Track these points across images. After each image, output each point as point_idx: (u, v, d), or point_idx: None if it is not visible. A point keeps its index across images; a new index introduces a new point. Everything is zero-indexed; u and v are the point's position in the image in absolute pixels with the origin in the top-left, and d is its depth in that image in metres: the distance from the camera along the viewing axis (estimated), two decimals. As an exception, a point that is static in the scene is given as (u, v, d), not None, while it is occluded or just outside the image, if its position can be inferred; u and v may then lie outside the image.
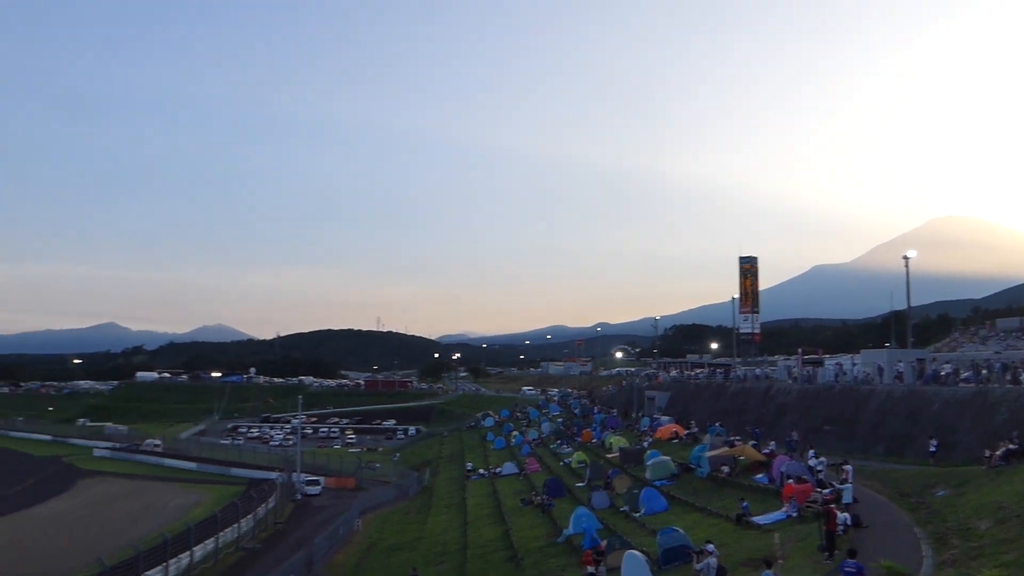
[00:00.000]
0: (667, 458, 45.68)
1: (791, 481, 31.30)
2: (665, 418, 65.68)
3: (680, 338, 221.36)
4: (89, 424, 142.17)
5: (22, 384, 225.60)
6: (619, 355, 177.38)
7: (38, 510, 67.22)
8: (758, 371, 70.70)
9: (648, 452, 49.94)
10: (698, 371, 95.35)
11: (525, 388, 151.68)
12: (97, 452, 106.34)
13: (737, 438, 47.44)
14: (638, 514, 36.58)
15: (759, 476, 37.34)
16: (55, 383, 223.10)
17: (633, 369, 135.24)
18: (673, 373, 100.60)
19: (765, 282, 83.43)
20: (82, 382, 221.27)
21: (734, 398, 63.33)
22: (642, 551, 27.13)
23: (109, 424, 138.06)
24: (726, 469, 39.82)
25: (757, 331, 79.97)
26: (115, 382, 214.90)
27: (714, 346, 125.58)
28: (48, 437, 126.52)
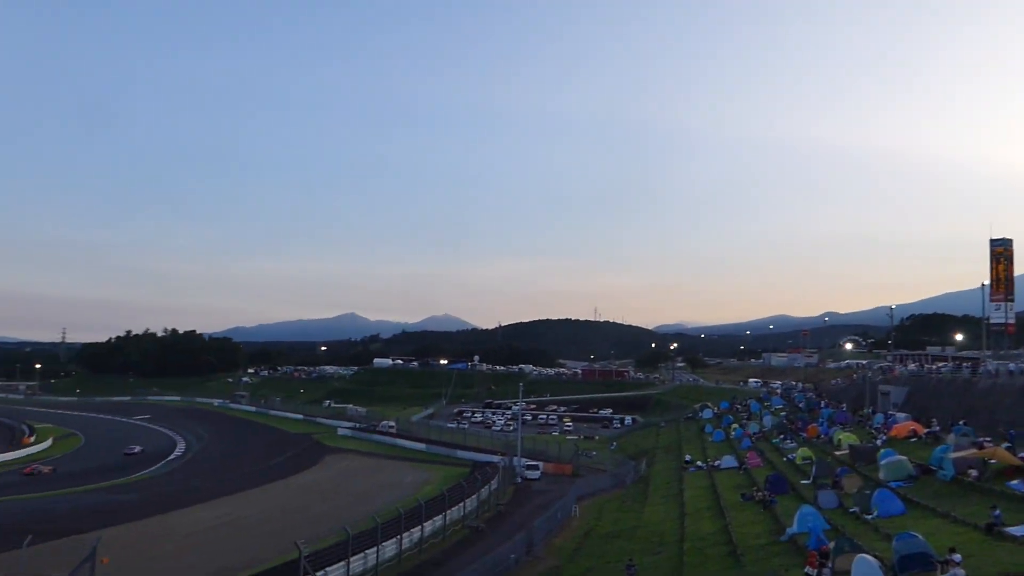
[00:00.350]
0: (903, 458, 42.22)
1: (1054, 489, 27.86)
2: (901, 415, 60.81)
3: (918, 329, 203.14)
4: (334, 405, 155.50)
5: (279, 368, 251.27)
6: (849, 346, 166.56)
7: (295, 479, 74.92)
8: (1012, 365, 63.46)
9: (882, 451, 46.45)
10: (940, 365, 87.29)
11: (751, 380, 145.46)
12: (340, 431, 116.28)
13: (987, 439, 42.88)
14: (870, 516, 34.16)
15: (1014, 482, 33.52)
16: (305, 367, 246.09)
17: (865, 362, 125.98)
18: (911, 366, 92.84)
19: (1021, 267, 74.69)
20: (327, 367, 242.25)
21: (984, 395, 57.29)
22: (875, 556, 25.33)
23: (351, 406, 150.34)
24: (974, 473, 36.14)
25: (1011, 321, 71.92)
26: (355, 367, 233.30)
27: (959, 338, 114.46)
28: (300, 416, 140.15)
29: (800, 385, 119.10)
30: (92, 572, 33.19)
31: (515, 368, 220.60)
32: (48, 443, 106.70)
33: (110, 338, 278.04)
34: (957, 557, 19.56)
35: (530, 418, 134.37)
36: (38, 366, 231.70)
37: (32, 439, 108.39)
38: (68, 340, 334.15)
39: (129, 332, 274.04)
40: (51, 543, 42.33)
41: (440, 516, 49.29)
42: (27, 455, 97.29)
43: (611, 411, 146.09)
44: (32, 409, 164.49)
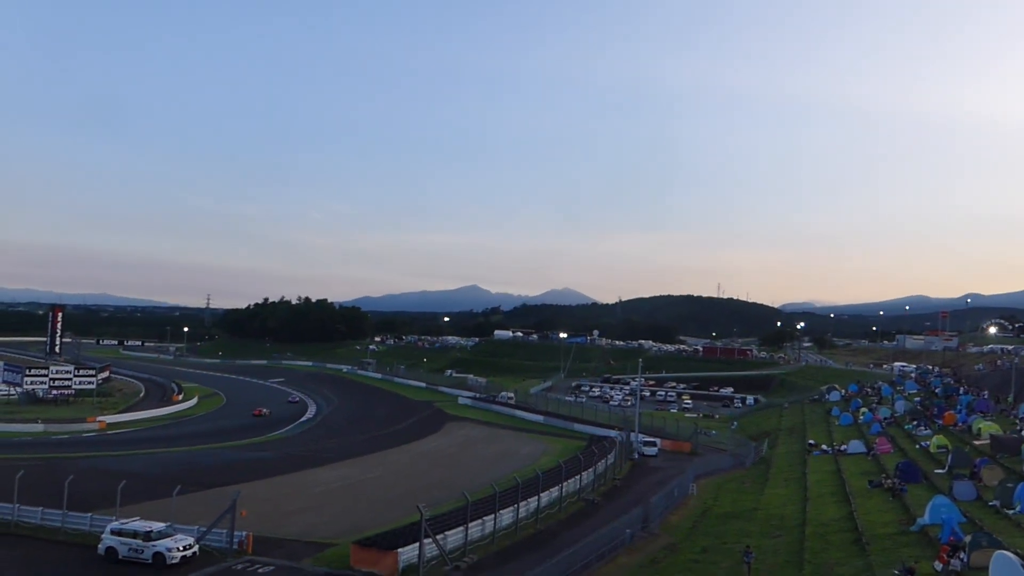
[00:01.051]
0: (1052, 451, 39.58)
1: None
2: (1052, 405, 56.86)
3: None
4: (455, 375, 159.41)
5: (403, 337, 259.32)
6: (993, 330, 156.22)
7: (417, 446, 77.59)
8: None
9: (1028, 442, 43.69)
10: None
11: (897, 364, 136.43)
12: (461, 400, 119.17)
13: None
14: (1012, 511, 32.30)
15: None
16: (429, 337, 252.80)
17: (1010, 347, 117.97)
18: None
19: None
20: (449, 337, 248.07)
21: None
22: (1016, 553, 23.98)
23: (471, 376, 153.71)
24: None
25: None
26: (476, 339, 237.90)
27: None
28: (423, 384, 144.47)
29: (937, 369, 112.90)
30: (233, 523, 35.64)
31: (634, 343, 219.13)
32: (194, 401, 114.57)
33: (249, 305, 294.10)
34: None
35: (648, 394, 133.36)
36: (186, 329, 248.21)
37: (180, 397, 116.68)
38: (212, 306, 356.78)
39: (267, 299, 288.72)
40: (197, 494, 45.63)
41: (556, 488, 49.87)
42: (176, 411, 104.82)
43: (732, 390, 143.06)
44: (180, 369, 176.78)
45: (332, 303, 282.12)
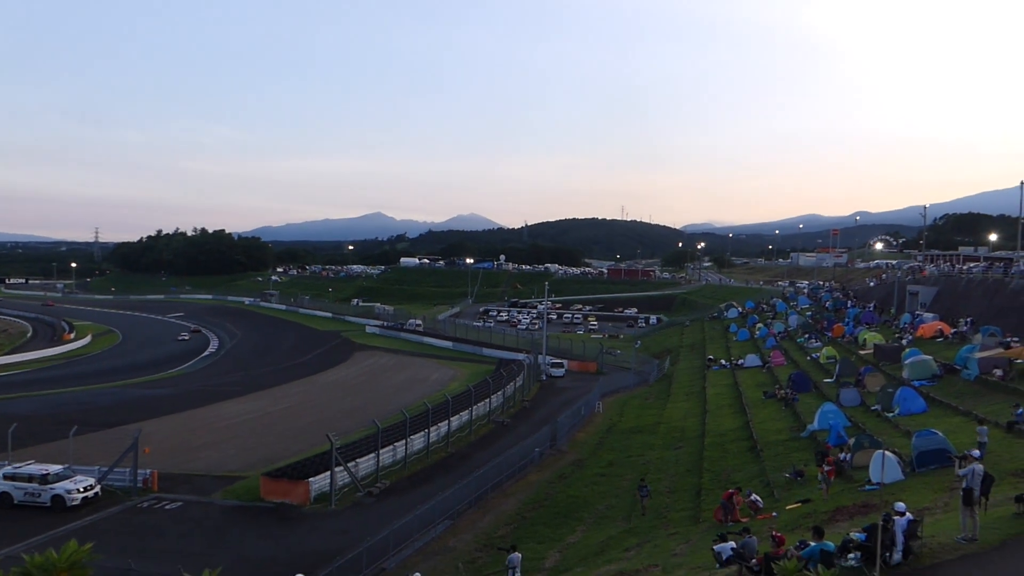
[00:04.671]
0: (928, 357, 42.20)
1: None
2: (929, 315, 60.42)
3: (952, 229, 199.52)
4: (362, 304, 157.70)
5: (307, 267, 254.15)
6: (879, 246, 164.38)
7: (325, 376, 76.89)
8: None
9: (907, 350, 46.44)
10: (972, 265, 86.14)
11: (802, 282, 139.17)
12: (369, 329, 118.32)
13: (1015, 339, 42.61)
14: (892, 414, 34.48)
15: (1039, 381, 33.51)
16: (333, 267, 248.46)
17: (895, 262, 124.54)
18: (942, 266, 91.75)
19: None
20: (355, 266, 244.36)
21: (1015, 296, 56.55)
22: (894, 452, 25.69)
23: (378, 304, 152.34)
24: (999, 372, 36.06)
25: (1049, 220, 70.22)
26: (382, 267, 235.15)
27: (993, 238, 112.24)
28: (328, 314, 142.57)
29: (828, 285, 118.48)
30: (136, 461, 34.71)
31: (541, 267, 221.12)
32: (87, 340, 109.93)
33: (142, 237, 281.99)
34: (976, 452, 19.71)
35: (555, 317, 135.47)
36: (74, 265, 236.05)
37: (72, 336, 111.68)
38: (101, 240, 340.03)
39: (160, 231, 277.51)
40: (95, 434, 44.16)
41: (466, 411, 50.52)
42: (68, 351, 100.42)
43: (636, 310, 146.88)
44: (70, 307, 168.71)
45: (230, 234, 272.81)
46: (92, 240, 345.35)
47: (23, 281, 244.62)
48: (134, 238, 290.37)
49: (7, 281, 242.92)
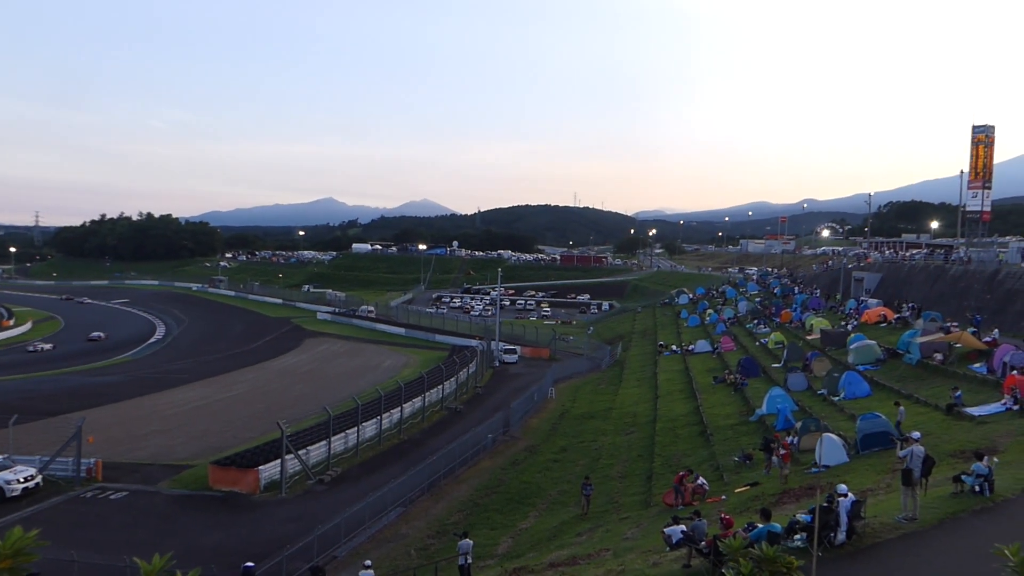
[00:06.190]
0: (872, 342, 43.31)
1: (1015, 372, 28.74)
2: (873, 301, 61.97)
3: (896, 216, 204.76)
4: (313, 290, 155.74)
5: (257, 253, 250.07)
6: (826, 233, 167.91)
7: (275, 363, 75.84)
8: (983, 253, 64.32)
9: (852, 335, 47.57)
10: (914, 252, 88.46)
11: (752, 269, 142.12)
12: (320, 315, 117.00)
13: (954, 324, 43.95)
14: (837, 398, 35.30)
15: (977, 365, 34.59)
16: (283, 252, 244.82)
17: (840, 249, 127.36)
18: (886, 253, 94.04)
19: (1002, 155, 74.43)
20: (305, 252, 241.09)
21: (954, 282, 58.33)
22: (839, 435, 26.31)
23: (329, 291, 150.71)
24: (939, 356, 37.18)
25: (987, 209, 72.27)
26: (333, 253, 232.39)
27: (934, 225, 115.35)
28: (279, 301, 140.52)
29: (776, 271, 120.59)
30: (79, 450, 33.86)
31: (494, 254, 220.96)
32: (28, 326, 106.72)
33: (85, 222, 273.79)
34: (916, 434, 20.27)
35: (508, 303, 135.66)
36: (12, 249, 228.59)
37: (11, 322, 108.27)
38: (42, 224, 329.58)
39: (104, 216, 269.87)
40: (37, 423, 42.96)
41: (419, 398, 50.35)
42: (6, 338, 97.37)
43: (589, 297, 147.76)
44: (9, 293, 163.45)
45: (177, 218, 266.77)
46: (32, 224, 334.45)
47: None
48: (77, 222, 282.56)
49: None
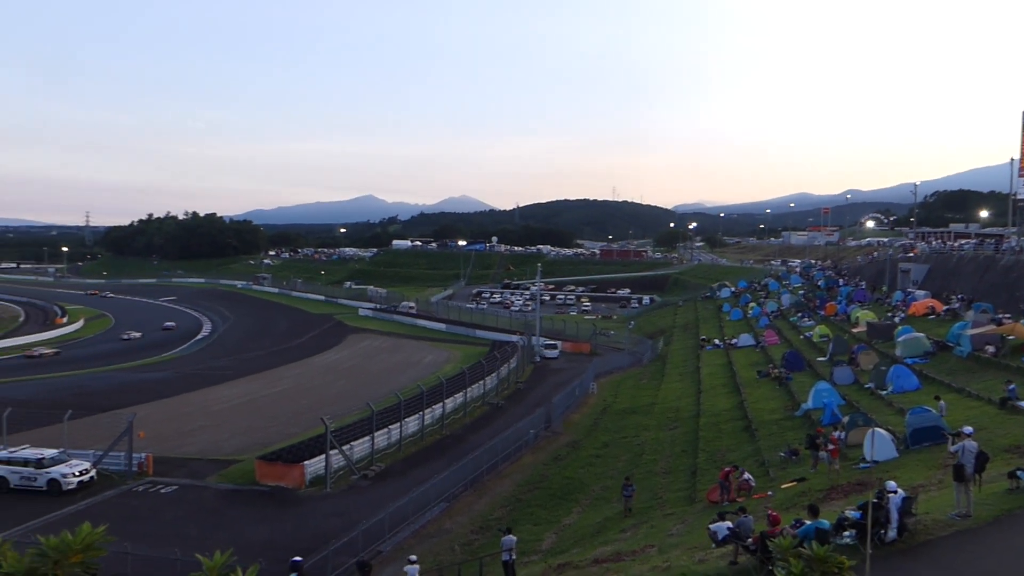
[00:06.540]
0: (921, 335, 42.38)
1: (1071, 365, 27.94)
2: (921, 292, 60.70)
3: (943, 206, 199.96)
4: (354, 286, 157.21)
5: (299, 250, 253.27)
6: (870, 224, 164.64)
7: (318, 359, 76.78)
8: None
9: (899, 328, 46.64)
10: (963, 242, 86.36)
11: (794, 261, 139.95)
12: (362, 311, 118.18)
13: (1007, 316, 42.80)
14: (885, 392, 34.63)
15: (1031, 358, 33.66)
16: (325, 250, 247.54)
17: (886, 240, 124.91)
18: (934, 243, 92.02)
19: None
20: (347, 249, 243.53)
21: (1006, 272, 56.78)
22: (888, 429, 25.83)
23: (371, 287, 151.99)
24: (991, 349, 36.24)
25: (1040, 197, 70.16)
26: (375, 249, 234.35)
27: (984, 215, 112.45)
28: (321, 297, 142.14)
29: (820, 263, 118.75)
30: (131, 445, 34.66)
31: (533, 249, 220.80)
32: (80, 324, 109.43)
33: (133, 221, 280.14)
34: (969, 429, 19.78)
35: (548, 298, 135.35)
36: (65, 249, 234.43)
37: (64, 320, 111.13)
38: (92, 224, 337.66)
39: (151, 215, 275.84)
40: (90, 418, 44.01)
41: (461, 394, 50.55)
42: (60, 335, 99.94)
43: (629, 291, 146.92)
44: (62, 291, 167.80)
45: (222, 217, 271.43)
46: (83, 224, 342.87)
47: (14, 266, 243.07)
48: (125, 222, 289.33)
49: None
